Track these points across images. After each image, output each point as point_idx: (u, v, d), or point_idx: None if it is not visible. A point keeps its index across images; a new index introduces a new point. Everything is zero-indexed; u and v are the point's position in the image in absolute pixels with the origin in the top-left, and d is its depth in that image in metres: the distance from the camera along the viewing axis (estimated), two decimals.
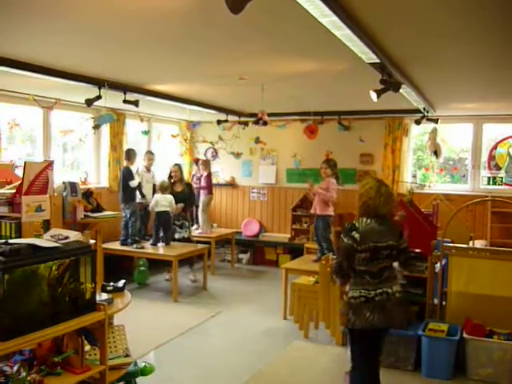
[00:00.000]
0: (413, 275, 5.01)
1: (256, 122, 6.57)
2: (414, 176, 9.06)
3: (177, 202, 7.73)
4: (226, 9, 2.15)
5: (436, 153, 8.49)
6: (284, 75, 5.18)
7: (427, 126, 8.23)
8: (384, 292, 3.48)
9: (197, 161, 9.61)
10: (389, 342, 4.64)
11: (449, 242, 5.15)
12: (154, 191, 7.89)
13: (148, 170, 7.99)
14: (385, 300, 3.47)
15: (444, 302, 5.03)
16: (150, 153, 8.05)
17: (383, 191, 3.55)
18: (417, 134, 9.11)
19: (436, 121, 7.58)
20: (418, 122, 7.54)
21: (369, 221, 3.52)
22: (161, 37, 3.89)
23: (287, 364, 4.85)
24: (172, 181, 7.93)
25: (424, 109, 7.11)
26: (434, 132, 8.35)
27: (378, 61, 3.86)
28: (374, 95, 4.57)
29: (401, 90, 5.03)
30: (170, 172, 8.06)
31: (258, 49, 4.17)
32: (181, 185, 7.97)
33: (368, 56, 3.72)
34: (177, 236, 7.79)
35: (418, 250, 5.19)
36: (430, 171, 8.99)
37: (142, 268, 7.70)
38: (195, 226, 8.90)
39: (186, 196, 7.94)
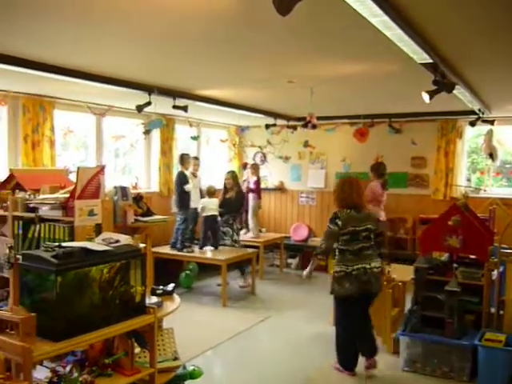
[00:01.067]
0: (468, 283, 4.82)
1: (304, 126, 6.50)
2: (469, 180, 8.77)
3: (223, 208, 7.76)
4: (274, 11, 2.12)
5: (492, 155, 8.18)
6: (333, 77, 5.12)
7: (482, 128, 7.96)
8: (362, 267, 4.40)
9: (245, 165, 9.64)
10: (441, 351, 4.53)
11: (506, 249, 4.93)
12: (202, 196, 7.92)
13: (194, 175, 8.00)
14: (362, 274, 4.38)
15: (501, 311, 4.81)
16: (195, 158, 8.05)
17: (354, 185, 4.55)
18: (471, 136, 8.79)
19: (492, 122, 7.31)
20: (472, 124, 7.29)
21: (349, 210, 4.48)
22: (209, 41, 3.91)
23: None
24: (224, 188, 7.93)
25: (479, 110, 6.86)
26: (490, 134, 8.04)
27: (430, 61, 3.74)
28: (426, 97, 4.44)
29: (454, 91, 4.87)
30: (224, 179, 8.07)
31: (306, 51, 4.13)
32: (232, 192, 7.93)
33: (420, 56, 3.61)
34: (222, 242, 7.79)
35: (473, 257, 5.00)
36: (486, 175, 8.67)
37: (188, 272, 7.76)
38: (244, 231, 8.89)
39: (234, 203, 7.88)
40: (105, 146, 7.59)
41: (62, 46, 4.08)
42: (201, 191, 7.91)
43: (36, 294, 2.77)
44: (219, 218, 7.71)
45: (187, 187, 7.29)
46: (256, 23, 3.35)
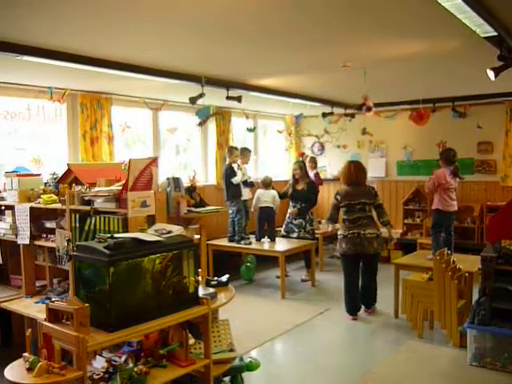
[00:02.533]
0: None
1: (359, 108, 6.28)
2: None
3: (297, 201, 7.58)
4: None
5: None
6: (389, 58, 4.90)
7: None
8: (356, 232, 5.58)
9: (302, 155, 9.50)
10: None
11: None
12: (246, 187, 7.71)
13: (240, 167, 7.81)
14: (355, 237, 5.57)
15: None
16: (245, 150, 7.86)
17: (356, 167, 5.80)
18: None
19: None
20: None
21: (346, 187, 5.78)
22: (260, 28, 3.84)
23: (400, 365, 4.57)
24: (294, 179, 7.69)
25: None
26: None
27: (495, 33, 3.48)
28: (491, 74, 4.15)
29: None
30: (292, 170, 7.80)
31: (360, 31, 3.96)
32: (302, 183, 7.64)
33: (483, 29, 3.36)
34: (293, 235, 7.64)
35: None
36: None
37: (248, 264, 7.73)
38: (322, 222, 8.72)
39: (306, 195, 7.57)
40: (162, 141, 7.68)
41: (117, 41, 4.14)
42: (249, 183, 7.71)
43: (90, 285, 2.80)
44: (275, 210, 7.62)
45: (235, 180, 7.23)
46: (307, 6, 3.23)
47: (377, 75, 5.57)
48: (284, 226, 7.80)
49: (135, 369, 2.83)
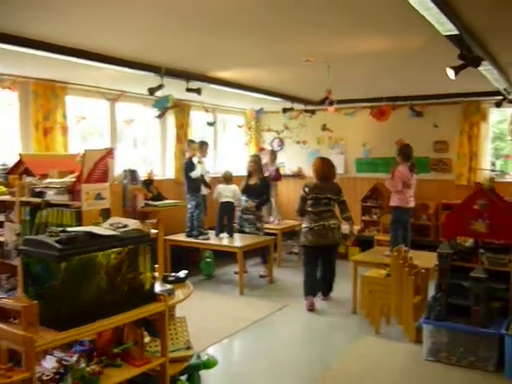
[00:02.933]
0: (495, 269, 4.59)
1: (322, 102, 6.27)
2: (493, 164, 8.46)
3: (250, 196, 7.55)
4: None
5: None
6: (352, 55, 4.89)
7: (507, 113, 7.68)
8: (321, 224, 5.85)
9: (262, 150, 9.46)
10: (467, 339, 4.35)
11: None
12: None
13: (200, 161, 7.71)
14: (321, 229, 5.84)
15: None
16: (203, 143, 7.72)
17: (325, 163, 6.13)
18: (495, 121, 8.48)
19: None
20: (498, 105, 6.99)
21: (315, 181, 6.04)
22: (223, 19, 3.74)
23: (359, 361, 4.59)
24: (248, 174, 7.69)
25: (505, 89, 6.56)
26: None
27: (456, 32, 3.50)
28: (451, 72, 4.19)
29: (480, 68, 4.62)
30: (248, 163, 7.82)
31: (323, 26, 3.92)
32: (255, 178, 7.65)
33: (445, 27, 3.37)
34: (246, 230, 7.63)
35: (499, 242, 4.76)
36: (511, 159, 8.36)
37: (209, 260, 7.64)
38: (271, 219, 8.74)
39: (258, 190, 7.57)
40: (121, 133, 7.49)
41: (72, 25, 3.94)
42: (205, 183, 7.61)
43: (40, 282, 2.64)
44: (236, 205, 7.56)
45: (194, 174, 7.13)
46: None
47: (339, 71, 5.56)
48: (238, 220, 7.75)
49: (87, 369, 2.70)
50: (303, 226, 6.02)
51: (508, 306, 4.59)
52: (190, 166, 7.16)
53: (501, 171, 7.96)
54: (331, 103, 6.03)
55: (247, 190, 7.59)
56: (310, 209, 5.92)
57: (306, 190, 5.97)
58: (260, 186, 7.60)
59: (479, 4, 3.29)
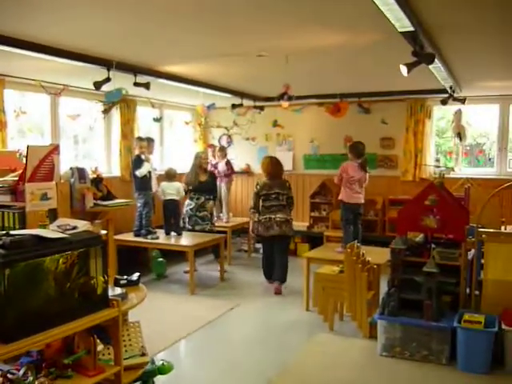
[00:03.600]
0: (445, 263, 4.67)
1: (280, 97, 6.20)
2: (438, 160, 8.69)
3: (202, 193, 7.46)
4: None
5: (460, 135, 8.14)
6: (305, 50, 4.83)
7: (446, 111, 7.95)
8: (268, 217, 6.48)
9: (211, 147, 9.31)
10: (420, 333, 4.41)
11: (481, 228, 4.80)
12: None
13: (147, 159, 7.49)
14: (267, 221, 6.48)
15: (477, 292, 4.70)
16: (149, 140, 7.50)
17: (273, 161, 6.72)
18: (435, 119, 8.70)
19: (463, 101, 7.18)
20: (444, 102, 7.14)
21: (265, 179, 6.65)
22: (172, 8, 3.57)
23: (314, 358, 4.56)
24: (197, 170, 7.55)
25: (450, 88, 6.72)
26: (459, 113, 8.01)
27: (411, 29, 3.50)
28: (404, 69, 4.21)
29: (430, 66, 4.69)
30: (200, 159, 7.63)
31: (278, 19, 3.83)
32: (205, 175, 7.58)
33: (402, 23, 3.36)
34: (198, 228, 7.50)
35: (449, 237, 4.86)
36: (454, 155, 8.61)
37: (160, 259, 7.44)
38: (221, 216, 8.65)
39: (210, 187, 7.59)
40: (62, 130, 7.14)
41: (10, 13, 3.66)
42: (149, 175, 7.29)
43: None
44: (180, 202, 7.42)
45: (140, 172, 6.91)
46: None
47: (290, 67, 5.50)
48: (187, 220, 7.59)
49: (36, 382, 2.52)
50: (255, 219, 6.63)
51: (458, 300, 4.70)
52: (136, 164, 6.94)
53: (446, 167, 8.18)
54: (290, 98, 5.98)
55: (198, 187, 7.47)
56: (261, 204, 6.53)
57: (258, 187, 6.58)
58: (211, 182, 7.60)
59: (436, 1, 3.30)
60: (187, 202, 7.61)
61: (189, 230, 7.51)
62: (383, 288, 5.01)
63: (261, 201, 6.52)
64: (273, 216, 6.45)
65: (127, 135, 7.87)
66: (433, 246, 4.81)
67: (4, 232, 2.55)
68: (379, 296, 5.18)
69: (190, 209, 7.54)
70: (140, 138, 7.24)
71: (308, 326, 5.37)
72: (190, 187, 7.54)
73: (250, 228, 6.99)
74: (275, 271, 6.68)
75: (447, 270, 4.68)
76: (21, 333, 2.35)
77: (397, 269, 4.72)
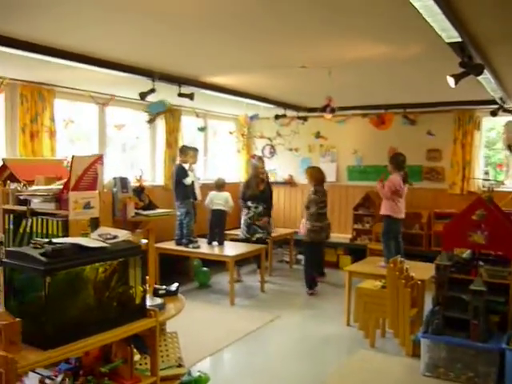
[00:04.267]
0: (494, 281, 4.49)
1: (323, 110, 6.12)
2: (487, 173, 8.40)
3: (259, 202, 7.52)
4: None
5: (510, 147, 7.84)
6: (350, 61, 4.76)
7: (496, 122, 7.80)
8: (323, 223, 7.03)
9: (254, 157, 9.31)
10: (466, 354, 4.24)
11: None
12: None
13: (190, 168, 7.56)
14: (322, 227, 7.02)
15: None
16: (194, 149, 7.53)
17: (321, 170, 7.24)
18: (485, 130, 8.41)
19: None
20: (494, 114, 6.91)
21: (318, 187, 7.02)
22: (217, 23, 3.61)
23: (354, 375, 4.46)
24: (256, 180, 7.63)
25: (501, 99, 6.49)
26: (510, 125, 7.70)
27: (459, 39, 3.40)
28: (451, 80, 4.09)
29: (479, 77, 4.54)
30: (257, 168, 7.71)
31: (321, 31, 3.80)
32: (262, 184, 7.64)
33: (449, 34, 3.27)
34: (257, 236, 7.53)
35: (498, 253, 4.67)
36: (504, 167, 8.31)
37: (205, 268, 7.47)
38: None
39: (267, 196, 7.67)
40: (109, 138, 7.31)
41: (63, 28, 3.79)
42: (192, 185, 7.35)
43: (23, 297, 2.48)
44: (227, 213, 7.44)
45: (187, 181, 6.97)
46: (270, 1, 3.02)
47: (333, 78, 5.44)
48: (245, 228, 7.61)
49: None
50: (312, 225, 6.91)
51: (507, 320, 4.50)
52: (182, 173, 7.00)
53: (496, 180, 7.89)
54: (332, 110, 5.90)
55: (257, 197, 7.53)
56: (318, 211, 6.91)
57: (320, 195, 6.96)
58: (268, 191, 7.73)
59: (484, 12, 3.19)
60: (245, 211, 7.64)
61: (247, 239, 7.53)
62: (428, 305, 4.85)
63: (316, 208, 6.85)
64: (326, 222, 7.06)
65: (172, 144, 7.97)
66: (480, 263, 4.63)
67: (47, 240, 2.60)
68: (423, 313, 5.02)
69: (249, 217, 7.57)
70: (187, 147, 7.30)
71: (348, 342, 5.26)
72: (248, 196, 7.57)
73: (303, 233, 7.10)
74: (318, 268, 7.38)
75: (495, 288, 4.49)
76: (60, 340, 2.39)
77: (442, 286, 4.56)
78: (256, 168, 7.72)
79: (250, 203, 7.56)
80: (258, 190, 7.56)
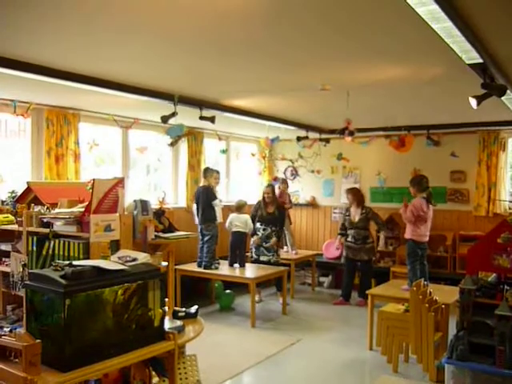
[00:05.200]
0: None
1: (341, 133, 6.10)
2: None
3: (268, 224, 7.53)
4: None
5: None
6: (370, 83, 4.78)
7: None
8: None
9: (275, 179, 9.33)
10: (492, 381, 4.13)
11: None
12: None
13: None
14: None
15: None
16: (216, 171, 7.58)
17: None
18: (510, 151, 8.27)
19: None
20: None
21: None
22: (236, 48, 3.67)
23: None
24: (264, 202, 7.68)
25: None
26: None
27: (480, 61, 3.38)
28: (473, 102, 4.05)
29: (503, 98, 4.49)
30: (263, 193, 7.80)
31: (341, 54, 3.84)
32: (272, 206, 7.66)
33: (469, 55, 3.26)
34: (263, 258, 7.52)
35: None
36: None
37: (228, 291, 7.46)
38: (285, 248, 8.63)
39: (277, 219, 7.64)
40: (132, 160, 7.41)
41: (87, 54, 3.90)
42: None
43: (44, 319, 2.51)
44: (247, 235, 7.45)
45: (216, 203, 7.01)
46: (288, 25, 3.07)
47: (355, 99, 5.45)
48: (254, 250, 7.63)
49: None
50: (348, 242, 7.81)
51: None
52: (213, 195, 7.03)
53: None
54: (351, 133, 5.86)
55: (265, 219, 7.54)
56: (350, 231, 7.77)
57: (255, 218, 7.51)
58: (278, 214, 7.65)
59: (505, 32, 3.17)
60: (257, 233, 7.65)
61: (255, 260, 7.53)
62: (452, 329, 4.73)
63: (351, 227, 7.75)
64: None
65: (194, 167, 8.04)
66: (506, 287, 4.52)
67: (67, 262, 2.63)
68: (448, 338, 4.90)
69: (257, 239, 7.58)
70: (211, 169, 7.34)
71: (371, 366, 5.17)
72: (257, 218, 7.61)
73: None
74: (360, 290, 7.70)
75: None
76: (78, 362, 2.40)
77: (466, 310, 4.45)
78: (263, 191, 7.78)
79: (258, 225, 7.58)
80: (266, 213, 7.59)
